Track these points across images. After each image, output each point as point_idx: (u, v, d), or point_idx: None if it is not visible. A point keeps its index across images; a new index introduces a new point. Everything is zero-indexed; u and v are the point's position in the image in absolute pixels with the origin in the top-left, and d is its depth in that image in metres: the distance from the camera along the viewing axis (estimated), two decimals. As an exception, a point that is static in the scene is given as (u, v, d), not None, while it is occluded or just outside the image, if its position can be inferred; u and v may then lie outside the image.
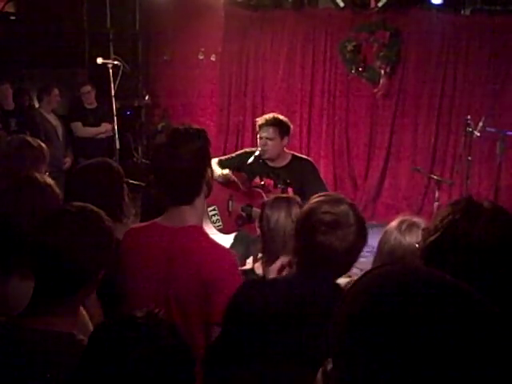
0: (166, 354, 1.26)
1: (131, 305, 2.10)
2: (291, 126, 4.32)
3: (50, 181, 2.30)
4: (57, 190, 2.28)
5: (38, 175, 2.30)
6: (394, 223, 2.25)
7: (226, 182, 4.31)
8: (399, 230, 2.20)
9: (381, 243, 2.24)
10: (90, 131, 6.95)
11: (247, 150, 4.57)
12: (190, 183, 2.15)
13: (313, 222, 1.80)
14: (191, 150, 2.11)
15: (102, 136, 6.97)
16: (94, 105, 7.05)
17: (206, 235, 2.18)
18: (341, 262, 1.84)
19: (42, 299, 1.67)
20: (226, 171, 4.31)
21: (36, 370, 1.54)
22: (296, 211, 2.49)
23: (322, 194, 1.96)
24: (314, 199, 1.89)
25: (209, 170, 2.20)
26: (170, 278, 2.10)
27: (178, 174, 2.10)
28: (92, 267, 1.69)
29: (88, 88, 7.00)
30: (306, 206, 1.90)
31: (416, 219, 2.26)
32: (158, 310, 1.33)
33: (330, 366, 1.26)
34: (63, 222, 1.69)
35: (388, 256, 2.17)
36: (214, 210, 4.47)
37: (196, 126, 2.21)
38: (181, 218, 2.16)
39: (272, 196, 2.99)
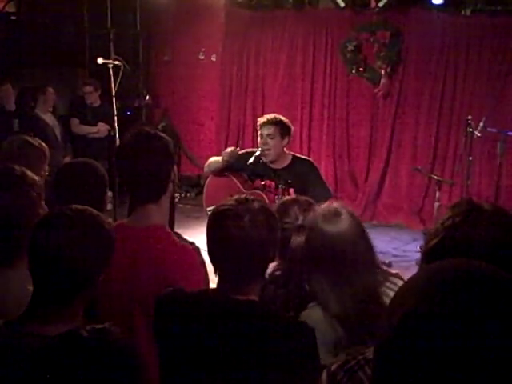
0: (108, 374, 1.24)
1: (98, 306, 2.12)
2: (292, 128, 4.32)
3: (30, 174, 2.28)
4: (37, 183, 2.27)
5: (16, 168, 2.27)
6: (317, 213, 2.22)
7: (232, 158, 4.30)
8: (322, 219, 2.16)
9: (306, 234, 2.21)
10: (83, 129, 6.98)
11: (248, 150, 4.56)
12: (155, 182, 2.18)
13: (218, 216, 1.81)
14: (155, 149, 2.16)
15: (95, 136, 6.97)
16: (97, 103, 7.06)
17: (169, 235, 2.19)
18: (249, 249, 1.78)
19: (40, 303, 1.65)
20: (230, 149, 4.34)
21: (31, 375, 1.53)
22: None
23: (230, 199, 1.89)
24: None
25: (174, 169, 2.26)
26: (133, 279, 2.10)
27: (143, 172, 2.14)
28: (91, 271, 1.67)
29: (89, 89, 7.02)
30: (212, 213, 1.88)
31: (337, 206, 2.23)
32: (116, 327, 1.31)
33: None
34: (61, 224, 1.66)
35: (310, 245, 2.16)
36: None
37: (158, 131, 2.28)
38: (146, 217, 2.18)
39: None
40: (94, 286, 1.71)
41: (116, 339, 1.30)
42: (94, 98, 7.03)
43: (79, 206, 1.74)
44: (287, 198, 2.99)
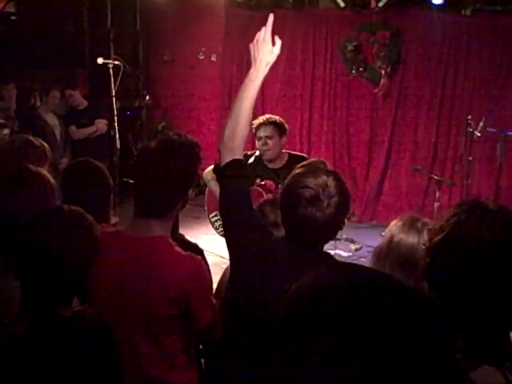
0: None
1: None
2: (287, 127, 4.33)
3: (44, 172, 2.29)
4: (51, 180, 2.28)
5: (32, 167, 2.29)
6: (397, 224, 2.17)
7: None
8: (403, 230, 2.11)
9: (387, 245, 2.14)
10: (83, 133, 6.91)
11: (247, 152, 4.56)
12: (168, 198, 1.98)
13: (293, 196, 1.84)
14: (181, 164, 1.95)
15: (98, 133, 6.94)
16: (84, 105, 7.01)
17: (171, 246, 1.98)
18: (324, 230, 1.89)
19: (29, 305, 1.65)
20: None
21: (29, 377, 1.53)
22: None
23: (302, 164, 1.95)
24: (295, 171, 1.90)
25: (189, 192, 2.05)
26: (136, 293, 1.93)
27: (159, 186, 1.94)
28: (77, 272, 1.66)
29: (69, 91, 6.91)
30: (288, 180, 1.91)
31: (418, 217, 2.19)
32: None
33: None
34: (50, 225, 1.65)
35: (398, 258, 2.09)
36: (216, 215, 4.45)
37: (191, 139, 2.06)
38: (147, 229, 1.98)
39: None
40: (82, 288, 1.71)
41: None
42: (78, 101, 6.95)
43: (68, 206, 1.73)
44: (264, 198, 2.99)
